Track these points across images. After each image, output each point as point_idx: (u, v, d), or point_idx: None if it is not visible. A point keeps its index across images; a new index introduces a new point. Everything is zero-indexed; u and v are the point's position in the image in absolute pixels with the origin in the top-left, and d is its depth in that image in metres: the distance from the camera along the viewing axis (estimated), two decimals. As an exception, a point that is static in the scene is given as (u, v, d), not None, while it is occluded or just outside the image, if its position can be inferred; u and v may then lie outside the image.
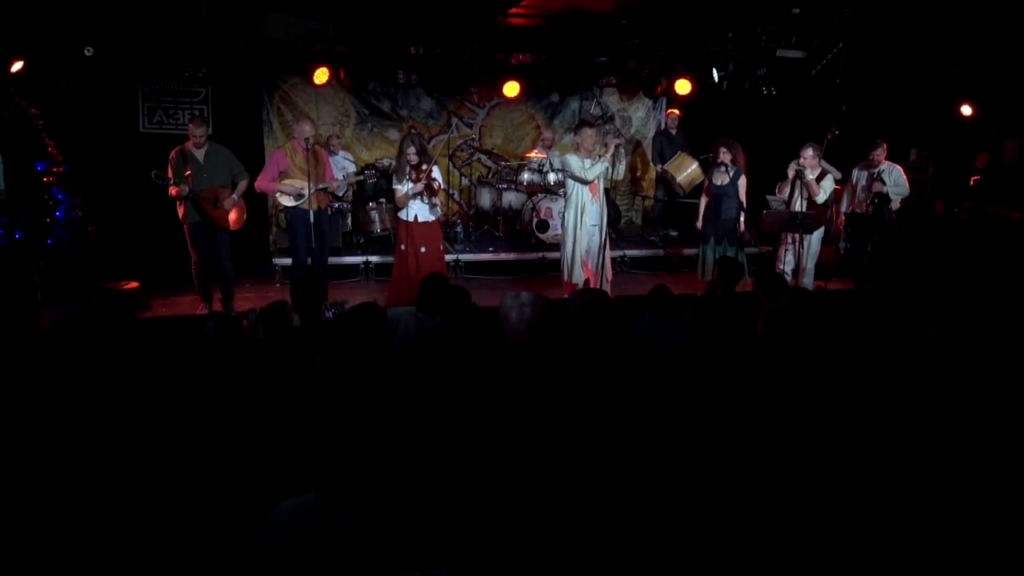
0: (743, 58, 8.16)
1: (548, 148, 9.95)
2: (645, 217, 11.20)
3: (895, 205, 7.84)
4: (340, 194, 6.75)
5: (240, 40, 7.80)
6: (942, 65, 9.03)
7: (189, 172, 6.38)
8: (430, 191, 6.26)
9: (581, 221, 6.50)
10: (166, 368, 3.75)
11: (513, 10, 7.26)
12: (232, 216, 6.65)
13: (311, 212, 6.23)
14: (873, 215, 7.78)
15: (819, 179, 7.21)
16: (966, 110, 8.91)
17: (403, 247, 6.47)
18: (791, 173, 7.18)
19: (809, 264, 7.43)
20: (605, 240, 6.52)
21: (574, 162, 6.42)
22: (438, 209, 6.54)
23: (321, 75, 8.76)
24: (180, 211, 6.56)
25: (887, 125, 9.04)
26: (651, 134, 10.98)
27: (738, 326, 4.94)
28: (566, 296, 6.85)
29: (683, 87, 9.66)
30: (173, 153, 6.51)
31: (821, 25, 7.75)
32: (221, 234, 6.67)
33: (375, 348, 3.41)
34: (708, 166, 9.00)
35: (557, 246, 8.90)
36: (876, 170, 7.75)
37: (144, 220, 8.38)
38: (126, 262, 7.96)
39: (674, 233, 10.17)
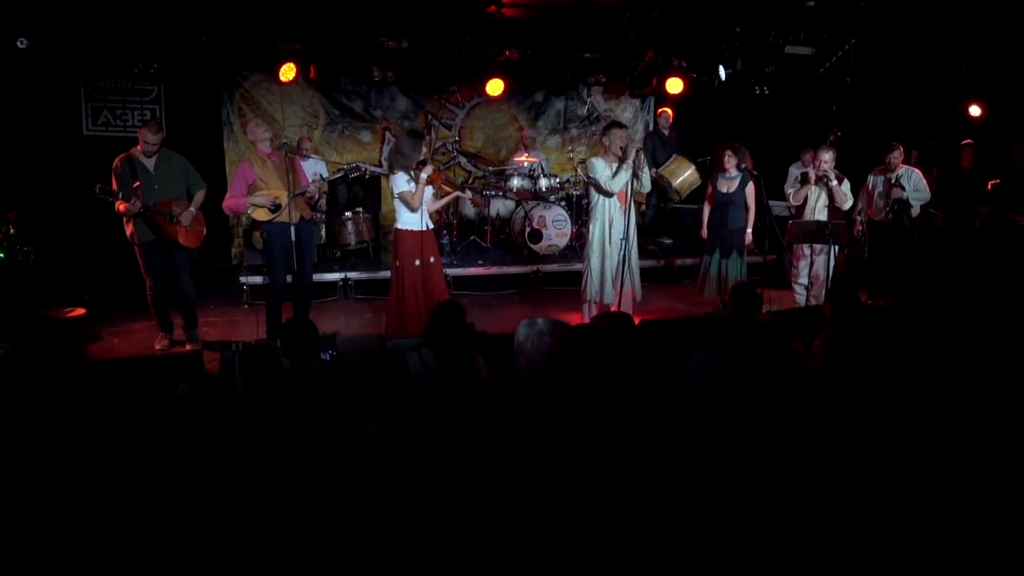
0: (747, 55, 7.59)
1: (529, 147, 9.28)
2: (636, 224, 10.59)
3: (915, 212, 7.37)
4: (316, 199, 5.91)
5: (199, 31, 6.94)
6: (947, 64, 8.62)
7: (138, 184, 5.48)
8: (449, 183, 5.56)
9: (609, 235, 5.83)
10: (126, 451, 2.95)
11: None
12: (191, 232, 5.77)
13: (292, 227, 5.40)
14: (893, 223, 7.30)
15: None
16: (975, 111, 8.50)
17: (417, 262, 5.60)
18: (812, 178, 6.61)
19: (827, 276, 6.87)
20: (629, 253, 5.85)
21: (600, 168, 5.73)
22: None
23: (288, 71, 7.95)
24: (128, 230, 5.64)
25: (888, 125, 8.60)
26: (639, 136, 10.39)
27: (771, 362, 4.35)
28: (583, 318, 6.20)
29: (674, 86, 9.07)
30: (117, 162, 5.55)
31: (836, 19, 7.21)
32: (179, 253, 5.78)
33: (402, 413, 2.67)
34: (705, 169, 8.46)
35: (551, 258, 8.27)
36: (894, 175, 7.25)
37: (90, 234, 7.43)
38: (70, 285, 7.03)
39: (668, 241, 9.60)
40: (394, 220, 9.59)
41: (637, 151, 5.62)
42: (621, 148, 5.70)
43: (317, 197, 5.88)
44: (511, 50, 8.02)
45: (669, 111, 9.18)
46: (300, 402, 2.97)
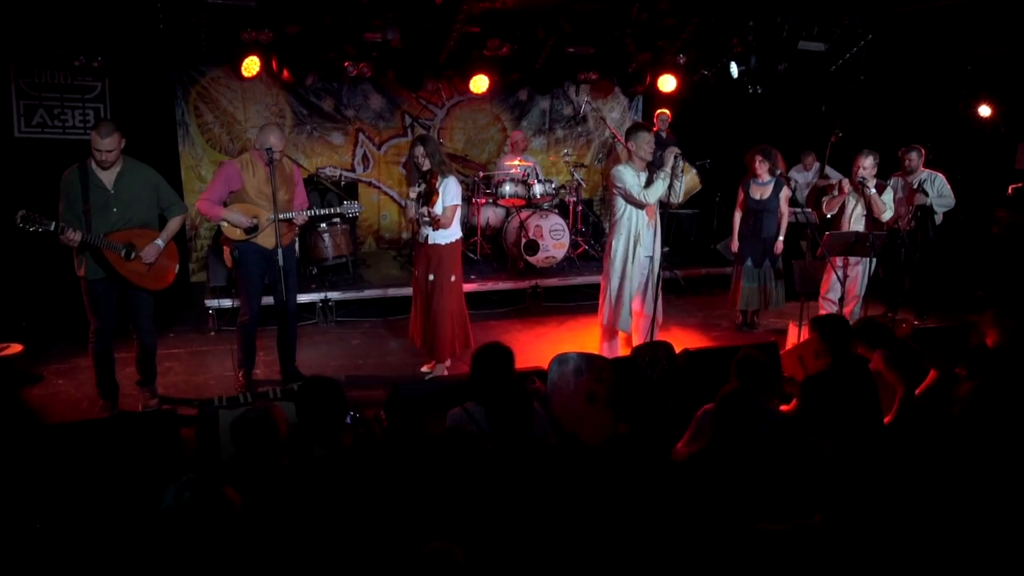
0: (761, 50, 7.04)
1: (522, 152, 8.62)
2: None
3: (938, 219, 6.93)
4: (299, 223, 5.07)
5: (152, 18, 6.04)
6: (953, 63, 8.24)
7: (87, 207, 4.25)
8: (423, 199, 4.88)
9: (634, 253, 5.17)
10: (84, 552, 2.16)
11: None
12: (155, 271, 4.51)
13: (279, 252, 4.56)
14: (915, 231, 6.84)
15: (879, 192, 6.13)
16: (984, 111, 8.13)
17: (417, 272, 5.25)
18: (846, 186, 6.09)
19: (861, 292, 6.38)
20: (659, 274, 5.22)
21: (629, 177, 5.06)
22: (455, 230, 5.13)
23: (251, 65, 7.09)
24: (76, 264, 4.47)
25: (891, 126, 8.19)
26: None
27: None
28: (603, 345, 5.53)
29: (667, 83, 8.50)
30: (67, 174, 4.30)
31: (856, 12, 6.72)
32: (139, 296, 4.56)
33: (493, 523, 1.96)
34: (705, 173, 7.91)
35: (549, 271, 7.59)
36: (916, 179, 6.79)
37: (24, 252, 6.43)
38: (3, 313, 6.04)
39: (665, 249, 8.99)
40: (371, 231, 9.01)
41: (675, 156, 4.97)
42: (650, 153, 5.06)
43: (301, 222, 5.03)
44: (502, 44, 7.28)
45: (667, 112, 8.59)
46: (334, 504, 2.21)
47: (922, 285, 6.98)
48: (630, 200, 5.08)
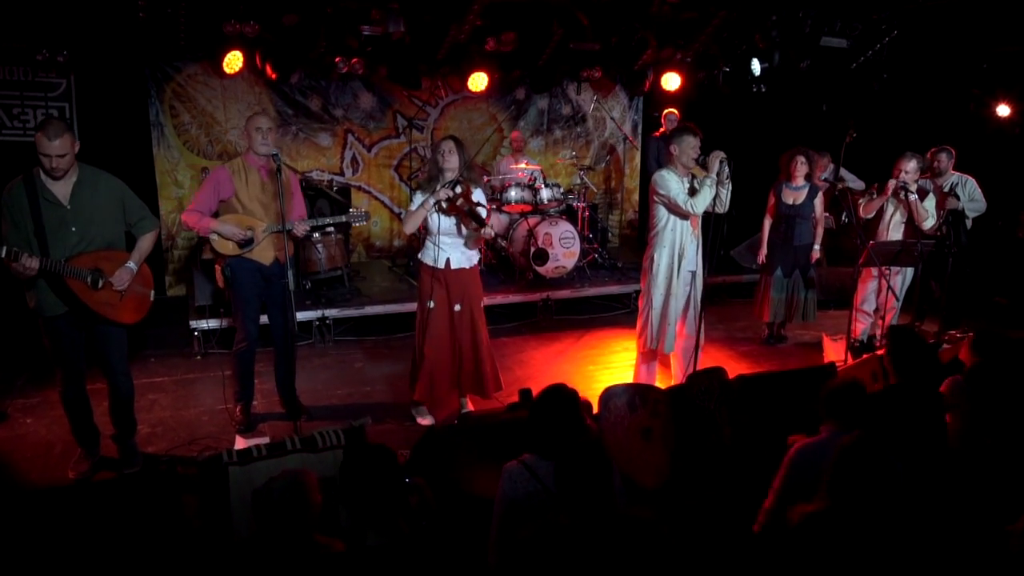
0: (784, 47, 6.65)
1: (518, 152, 8.14)
2: (623, 237, 9.59)
3: (968, 224, 6.59)
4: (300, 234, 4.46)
5: (126, 8, 5.42)
6: (972, 60, 7.92)
7: (40, 227, 3.50)
8: (473, 217, 4.26)
9: (678, 267, 4.69)
10: None
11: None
12: (128, 300, 3.78)
13: (289, 275, 4.00)
14: (946, 237, 6.49)
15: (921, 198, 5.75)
16: (1003, 110, 7.82)
17: (431, 304, 4.46)
18: (888, 190, 5.69)
19: (899, 303, 6.01)
20: (700, 290, 4.75)
21: (674, 184, 4.57)
22: (476, 252, 4.58)
23: (233, 61, 6.54)
24: (29, 298, 3.70)
25: (906, 126, 7.86)
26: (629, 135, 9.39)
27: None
28: (640, 369, 5.04)
29: (670, 82, 8.07)
30: (10, 188, 3.54)
31: (882, 7, 6.35)
32: (110, 332, 3.82)
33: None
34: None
35: (559, 282, 7.09)
36: (947, 183, 6.45)
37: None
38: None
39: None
40: (361, 238, 8.44)
41: (721, 161, 4.51)
42: (695, 159, 4.59)
43: (302, 234, 4.40)
44: (516, 39, 6.77)
45: (676, 111, 8.16)
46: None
47: (954, 293, 6.64)
48: (674, 210, 4.61)
